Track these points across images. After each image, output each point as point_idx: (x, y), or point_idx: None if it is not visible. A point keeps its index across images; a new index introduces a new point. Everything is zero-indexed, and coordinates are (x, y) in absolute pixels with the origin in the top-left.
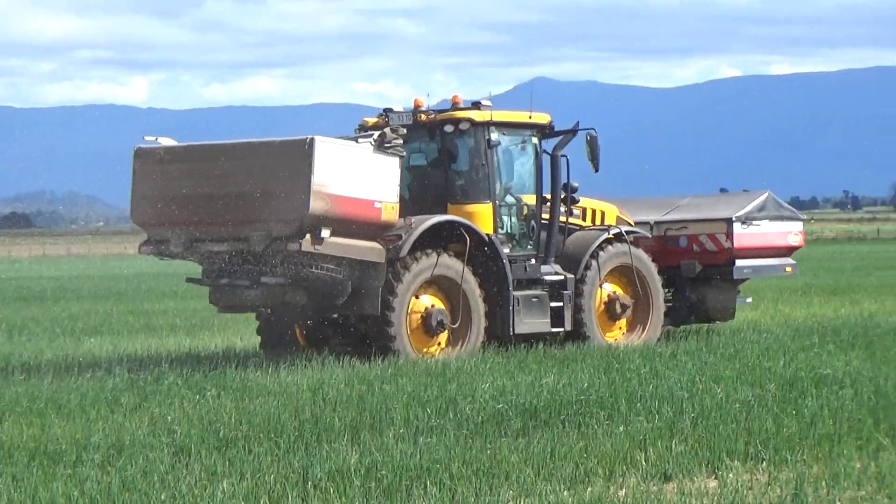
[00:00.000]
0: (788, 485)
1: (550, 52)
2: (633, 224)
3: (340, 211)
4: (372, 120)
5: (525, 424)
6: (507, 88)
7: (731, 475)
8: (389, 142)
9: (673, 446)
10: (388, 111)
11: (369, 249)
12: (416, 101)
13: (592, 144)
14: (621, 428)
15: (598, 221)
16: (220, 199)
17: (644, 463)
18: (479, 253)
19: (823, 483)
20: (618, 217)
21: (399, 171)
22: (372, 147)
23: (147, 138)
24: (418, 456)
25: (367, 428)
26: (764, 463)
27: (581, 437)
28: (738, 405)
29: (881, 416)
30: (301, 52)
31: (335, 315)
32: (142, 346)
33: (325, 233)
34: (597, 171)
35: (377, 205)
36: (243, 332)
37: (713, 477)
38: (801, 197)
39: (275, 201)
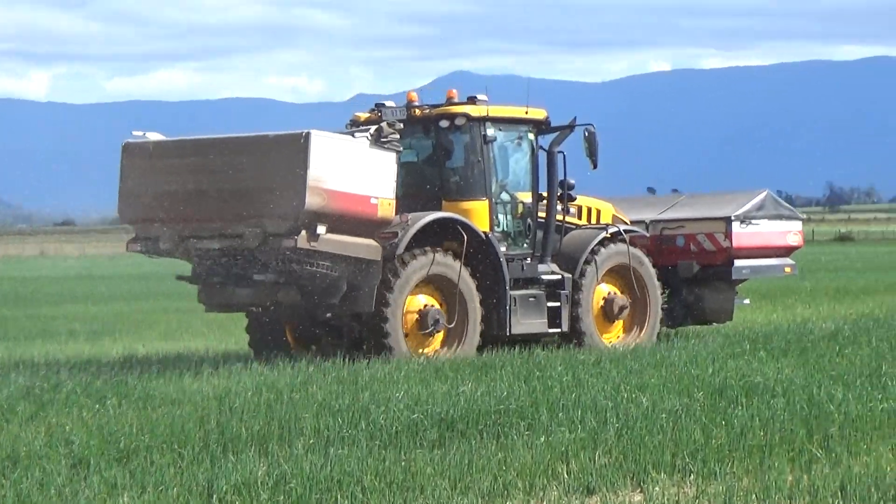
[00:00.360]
0: (717, 498)
1: (472, 44)
2: (628, 223)
3: (336, 207)
4: (364, 115)
5: (441, 435)
6: (425, 82)
7: (657, 488)
8: (386, 136)
9: (596, 458)
10: (379, 106)
11: (365, 247)
12: (408, 95)
13: (591, 140)
14: (542, 439)
15: (593, 220)
16: (212, 194)
17: (566, 475)
18: (476, 251)
19: (754, 496)
20: (613, 216)
21: (396, 166)
22: (368, 141)
23: (135, 133)
24: (329, 468)
25: (275, 438)
26: (692, 476)
27: (500, 449)
28: (664, 415)
29: (814, 427)
30: (211, 44)
31: (328, 314)
32: (39, 353)
33: (321, 229)
34: (595, 167)
35: (373, 201)
36: (147, 338)
37: (638, 490)
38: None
39: (269, 197)
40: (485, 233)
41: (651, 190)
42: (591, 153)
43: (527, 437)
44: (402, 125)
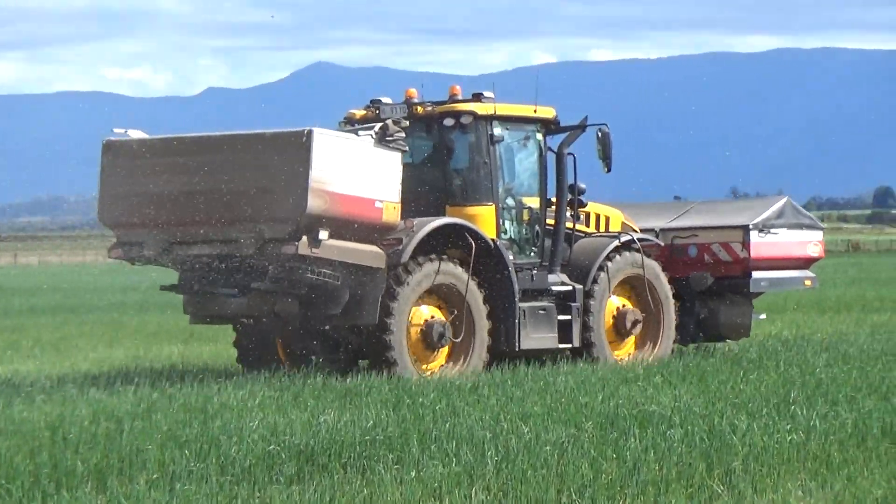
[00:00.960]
0: None
1: (333, 33)
2: (638, 231)
3: (339, 211)
4: (360, 112)
5: (300, 469)
6: (283, 75)
7: None
8: (391, 135)
9: (473, 495)
10: (375, 102)
11: (369, 254)
12: (407, 91)
13: (605, 141)
14: (413, 473)
15: (602, 228)
16: (203, 196)
17: None
18: (483, 260)
19: None
20: (623, 223)
21: (401, 167)
22: (373, 140)
23: (116, 131)
24: None
25: (114, 473)
26: None
27: (365, 484)
28: (549, 447)
29: (715, 460)
30: (42, 32)
31: (326, 326)
32: None
33: (323, 234)
34: (609, 170)
35: (378, 204)
36: None
37: None
38: (634, 201)
39: (267, 199)
40: (493, 240)
41: (677, 198)
42: (605, 155)
43: (395, 471)
44: (407, 122)
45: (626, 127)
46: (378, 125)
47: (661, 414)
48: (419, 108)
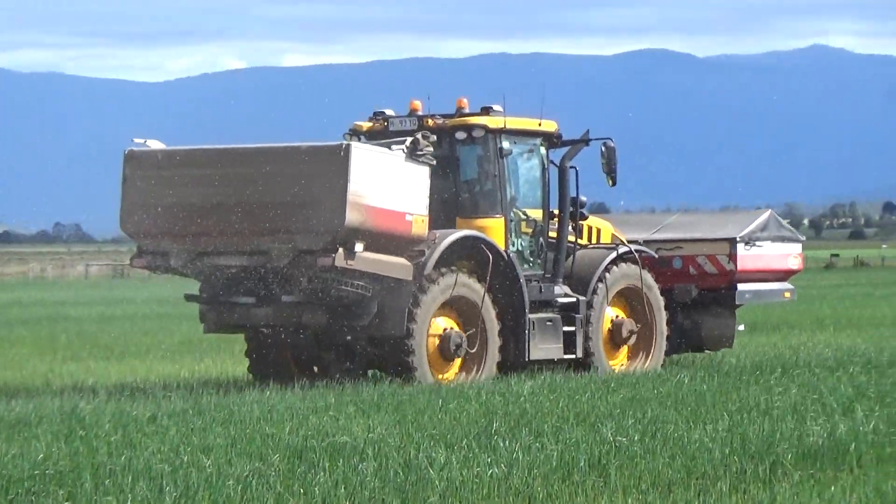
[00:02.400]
0: None
1: (3, 37)
2: (626, 242)
3: (374, 224)
4: (366, 124)
5: None
6: None
7: None
8: (421, 149)
9: None
10: (379, 114)
11: (399, 266)
12: (412, 104)
13: (610, 155)
14: None
15: (594, 239)
16: (234, 208)
17: None
18: (495, 272)
19: None
20: (612, 235)
21: (429, 181)
22: (404, 155)
23: (136, 140)
24: None
25: None
26: None
27: None
28: (231, 482)
29: (410, 496)
30: None
31: (349, 337)
32: None
33: (359, 247)
34: (614, 183)
35: (408, 217)
36: None
37: None
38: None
39: (302, 212)
40: (507, 252)
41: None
42: (611, 169)
43: None
44: (435, 137)
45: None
46: (409, 139)
47: (354, 446)
48: (429, 120)
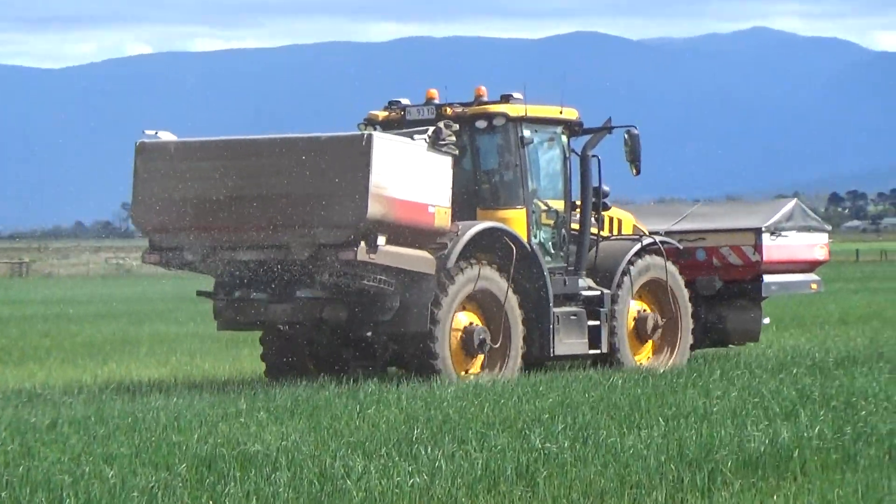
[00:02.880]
0: None
1: None
2: (647, 234)
3: (396, 216)
4: (382, 114)
5: None
6: None
7: None
8: (444, 139)
9: None
10: (394, 103)
11: (422, 259)
12: (428, 92)
13: (634, 143)
14: None
15: (615, 231)
16: (252, 201)
17: None
18: (518, 265)
19: None
20: (634, 226)
21: (452, 171)
22: (426, 145)
23: (147, 132)
24: None
25: None
26: None
27: None
28: (136, 493)
29: None
30: None
31: (369, 333)
32: None
33: (381, 240)
34: (638, 172)
35: (431, 209)
36: None
37: None
38: None
39: (323, 204)
40: (530, 245)
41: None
42: (635, 158)
43: None
44: (457, 126)
45: (238, 121)
46: (431, 129)
47: (266, 454)
48: (447, 109)
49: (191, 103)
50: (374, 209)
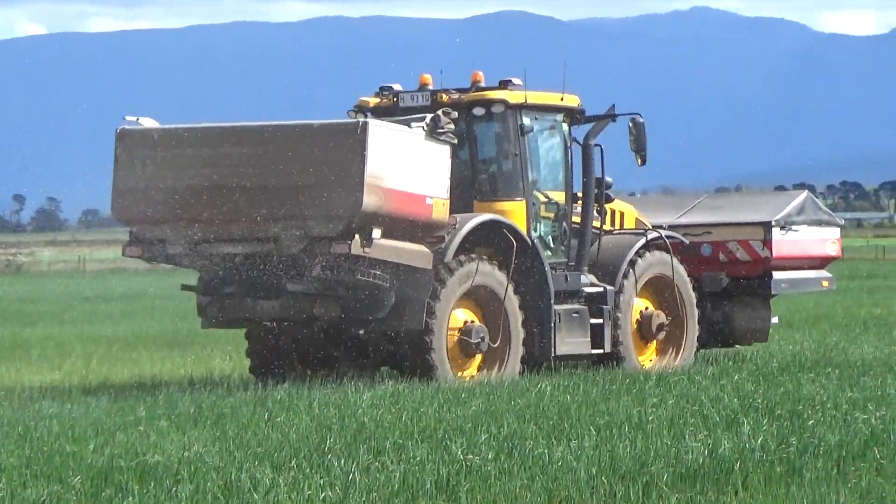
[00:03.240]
0: None
1: None
2: (650, 227)
3: (392, 208)
4: (373, 100)
5: None
6: None
7: None
8: (442, 127)
9: None
10: (386, 89)
11: (418, 253)
12: (422, 77)
13: (639, 131)
14: None
15: (616, 224)
16: (238, 191)
17: None
18: (518, 260)
19: None
20: (636, 220)
21: (450, 161)
22: (424, 133)
23: (128, 118)
24: None
25: None
26: None
27: None
28: None
29: None
30: None
31: (361, 331)
32: None
33: (376, 233)
34: (644, 162)
35: (428, 201)
36: None
37: None
38: None
39: (315, 195)
40: (531, 239)
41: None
42: (640, 146)
43: None
44: (456, 114)
45: (131, 103)
46: (429, 116)
47: (167, 466)
48: (443, 95)
49: (87, 86)
50: (369, 200)
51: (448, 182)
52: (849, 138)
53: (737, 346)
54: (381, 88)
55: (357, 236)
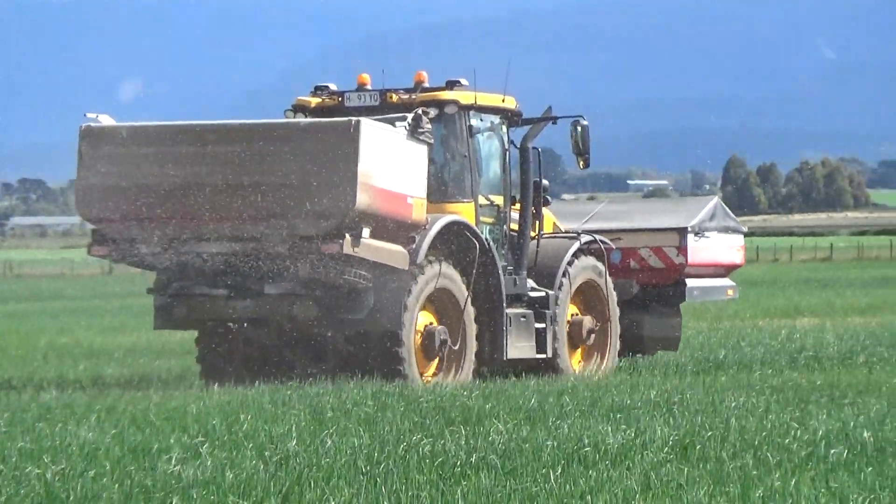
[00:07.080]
0: None
1: None
2: (564, 231)
3: (380, 207)
4: (314, 100)
5: None
6: None
7: None
8: (423, 126)
9: None
10: (322, 88)
11: (397, 254)
12: (360, 77)
13: (584, 134)
14: None
15: (537, 229)
16: (218, 189)
17: None
18: (474, 263)
19: None
20: (554, 224)
21: (427, 161)
22: (406, 132)
23: (88, 115)
24: None
25: None
26: None
27: None
28: None
29: None
30: None
31: (329, 332)
32: None
33: (366, 233)
34: (587, 165)
35: (409, 201)
36: None
37: None
38: None
39: (303, 194)
40: (488, 241)
41: None
42: (584, 149)
43: None
44: (433, 114)
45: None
46: (411, 115)
47: None
48: (393, 96)
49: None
50: (361, 199)
51: (426, 182)
52: None
53: (646, 354)
54: (317, 88)
55: (348, 236)
